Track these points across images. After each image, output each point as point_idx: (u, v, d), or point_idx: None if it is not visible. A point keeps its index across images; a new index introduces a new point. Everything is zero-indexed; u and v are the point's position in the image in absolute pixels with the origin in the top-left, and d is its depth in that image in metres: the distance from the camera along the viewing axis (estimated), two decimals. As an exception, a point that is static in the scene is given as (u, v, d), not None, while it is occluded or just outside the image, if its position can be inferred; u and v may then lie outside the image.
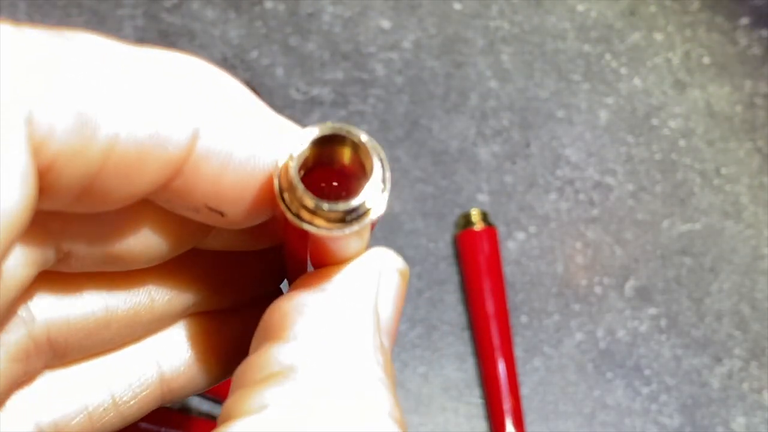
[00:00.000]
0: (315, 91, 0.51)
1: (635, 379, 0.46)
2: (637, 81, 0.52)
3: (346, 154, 0.16)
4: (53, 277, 0.17)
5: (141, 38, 0.51)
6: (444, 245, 0.48)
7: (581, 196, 0.49)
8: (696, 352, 0.47)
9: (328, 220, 0.15)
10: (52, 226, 0.16)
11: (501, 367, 0.44)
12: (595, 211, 0.49)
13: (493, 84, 0.51)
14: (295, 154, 0.15)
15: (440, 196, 0.49)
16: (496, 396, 0.44)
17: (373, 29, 0.52)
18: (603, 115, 0.51)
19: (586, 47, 0.52)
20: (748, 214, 0.49)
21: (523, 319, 0.47)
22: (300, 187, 0.15)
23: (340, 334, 0.16)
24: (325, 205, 0.15)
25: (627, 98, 0.51)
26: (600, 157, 0.50)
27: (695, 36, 0.53)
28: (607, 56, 0.52)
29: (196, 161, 0.15)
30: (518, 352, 0.46)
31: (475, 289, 0.46)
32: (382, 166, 0.15)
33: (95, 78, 0.14)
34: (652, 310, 0.47)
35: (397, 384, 0.45)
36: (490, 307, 0.45)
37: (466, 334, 0.46)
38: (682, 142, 0.51)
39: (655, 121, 0.51)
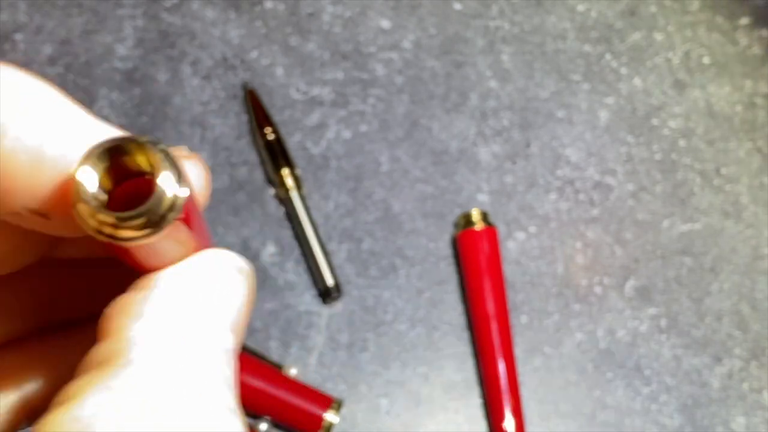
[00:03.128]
0: (315, 91, 0.51)
1: (635, 379, 0.46)
2: (637, 81, 0.52)
3: (137, 162, 0.15)
4: None
5: (141, 38, 0.51)
6: (444, 245, 0.48)
7: (581, 196, 0.49)
8: (696, 352, 0.47)
9: (129, 228, 0.15)
10: None
11: (501, 367, 0.44)
12: (595, 211, 0.49)
13: (493, 84, 0.51)
14: (84, 167, 0.15)
15: (440, 196, 0.49)
16: (496, 396, 0.44)
17: (373, 29, 0.52)
18: (603, 115, 0.51)
19: (586, 47, 0.52)
20: (748, 214, 0.49)
21: (523, 319, 0.47)
22: (88, 198, 0.14)
23: (171, 328, 0.15)
24: (112, 215, 0.14)
25: (627, 98, 0.51)
26: (600, 157, 0.50)
27: (695, 36, 0.53)
28: (607, 56, 0.52)
29: (4, 160, 0.15)
30: (518, 352, 0.46)
31: (475, 289, 0.46)
32: (171, 162, 0.15)
33: None
34: (652, 310, 0.47)
35: (397, 384, 0.45)
36: (490, 307, 0.45)
37: (466, 334, 0.46)
38: (682, 142, 0.51)
39: (655, 121, 0.51)
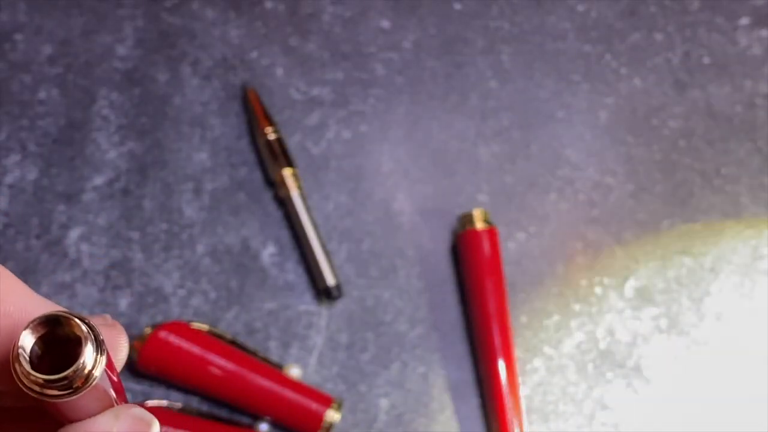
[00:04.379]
0: (315, 91, 0.51)
1: (635, 379, 0.46)
2: (637, 81, 0.52)
3: (67, 332, 0.18)
4: None
5: (141, 38, 0.51)
6: (444, 245, 0.48)
7: (581, 196, 0.49)
8: (696, 352, 0.47)
9: (55, 389, 0.17)
10: None
11: (501, 367, 0.44)
12: (595, 211, 0.49)
13: (493, 84, 0.51)
14: (24, 335, 0.18)
15: (440, 196, 0.49)
16: (497, 396, 0.44)
17: (373, 29, 0.52)
18: (603, 115, 0.51)
19: (586, 47, 0.52)
20: (748, 214, 0.49)
21: (523, 319, 0.47)
22: (23, 362, 0.17)
23: None
24: (41, 377, 0.17)
25: (627, 98, 0.51)
26: (600, 157, 0.50)
27: (695, 36, 0.53)
28: (607, 56, 0.52)
29: None
30: (518, 352, 0.46)
31: (475, 289, 0.46)
32: (94, 336, 0.18)
33: None
34: (652, 310, 0.47)
35: (397, 384, 0.45)
36: (490, 307, 0.45)
37: (466, 334, 0.46)
38: (682, 142, 0.51)
39: (655, 121, 0.51)
